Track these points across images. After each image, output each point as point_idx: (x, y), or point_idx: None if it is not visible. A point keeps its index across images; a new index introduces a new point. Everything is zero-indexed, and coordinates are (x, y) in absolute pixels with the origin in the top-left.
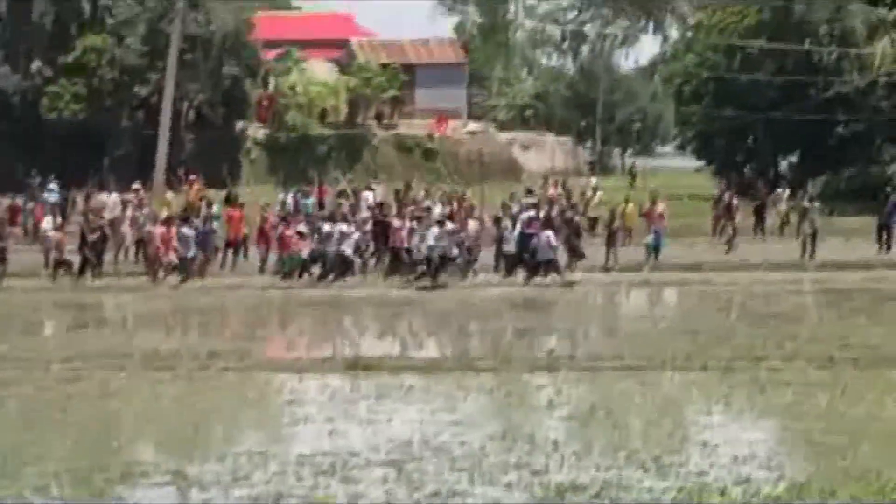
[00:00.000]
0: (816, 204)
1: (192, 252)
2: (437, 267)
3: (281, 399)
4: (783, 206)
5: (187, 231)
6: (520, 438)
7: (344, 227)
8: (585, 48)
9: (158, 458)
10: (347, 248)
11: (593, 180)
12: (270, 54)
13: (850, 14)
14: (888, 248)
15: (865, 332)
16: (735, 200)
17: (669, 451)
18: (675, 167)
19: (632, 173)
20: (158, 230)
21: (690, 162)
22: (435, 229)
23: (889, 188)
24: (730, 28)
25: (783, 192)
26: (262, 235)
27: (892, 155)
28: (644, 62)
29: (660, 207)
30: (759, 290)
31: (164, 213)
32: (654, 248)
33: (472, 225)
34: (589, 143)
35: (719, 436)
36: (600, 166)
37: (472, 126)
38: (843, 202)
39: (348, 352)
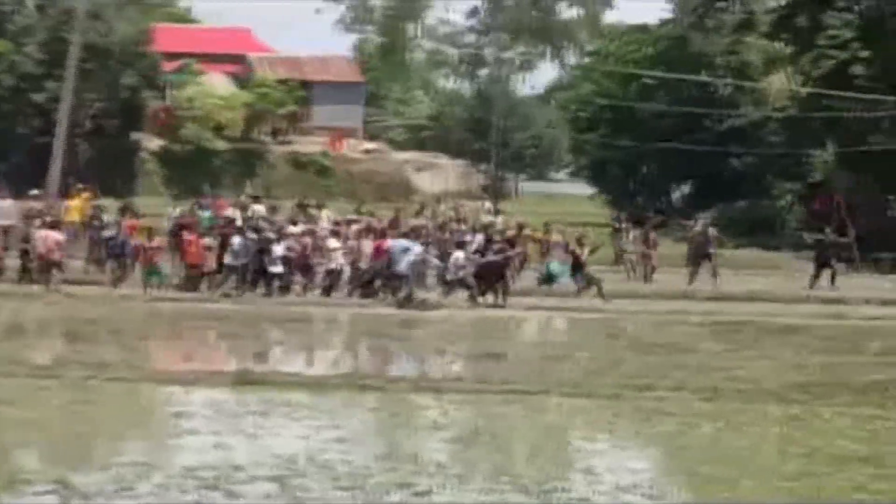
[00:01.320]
0: (712, 230)
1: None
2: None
3: (167, 411)
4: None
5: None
6: (404, 458)
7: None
8: (483, 72)
9: (42, 466)
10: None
11: (487, 203)
12: (169, 66)
13: (746, 47)
14: (832, 281)
15: (751, 365)
16: (653, 234)
17: (553, 476)
18: (569, 193)
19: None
20: (48, 235)
21: (584, 189)
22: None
23: (828, 229)
24: (627, 57)
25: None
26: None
27: (782, 189)
28: (541, 88)
29: (554, 236)
30: (648, 320)
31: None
32: (549, 277)
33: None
34: (483, 167)
35: (603, 463)
36: (494, 190)
37: (368, 145)
38: (734, 235)
39: (237, 366)
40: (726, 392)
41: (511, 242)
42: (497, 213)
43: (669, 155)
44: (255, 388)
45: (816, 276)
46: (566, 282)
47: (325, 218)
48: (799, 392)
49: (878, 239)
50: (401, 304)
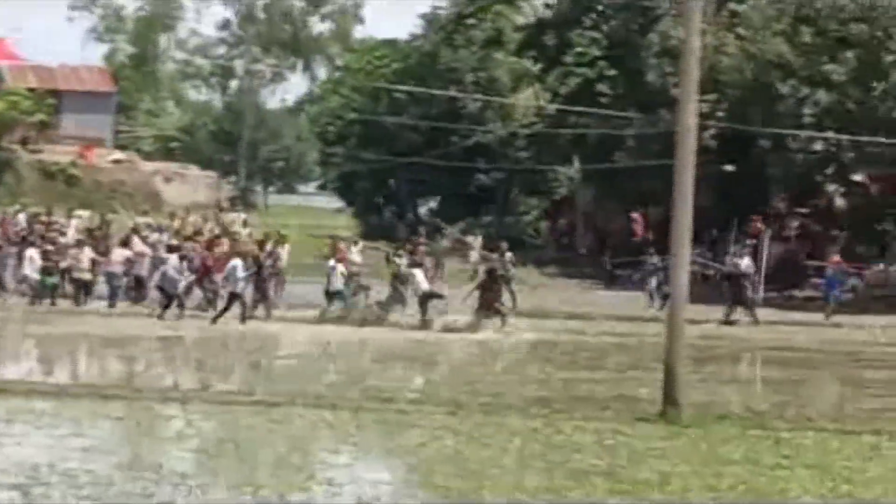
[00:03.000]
0: (509, 255)
1: None
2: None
3: None
4: (475, 256)
5: None
6: (147, 468)
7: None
8: (234, 84)
9: None
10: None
11: (242, 215)
12: None
13: (495, 64)
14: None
15: (492, 379)
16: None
17: (295, 487)
18: (317, 206)
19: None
20: None
21: (332, 202)
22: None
23: (650, 251)
24: (377, 72)
25: (475, 241)
26: None
27: (528, 205)
28: (291, 101)
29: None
30: (397, 335)
31: None
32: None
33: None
34: (232, 178)
35: (345, 475)
36: (243, 202)
37: (117, 155)
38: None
39: None
40: (469, 405)
41: (256, 257)
42: (245, 224)
43: (417, 169)
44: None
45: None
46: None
47: (73, 227)
48: (540, 406)
49: (624, 254)
50: (159, 316)
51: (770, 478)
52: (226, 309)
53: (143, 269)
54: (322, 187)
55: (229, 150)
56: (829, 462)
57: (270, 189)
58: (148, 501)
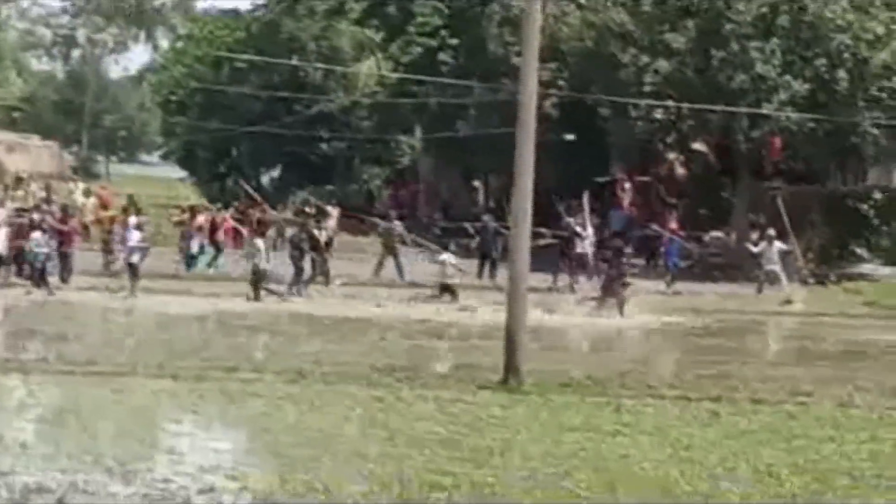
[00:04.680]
0: (397, 224)
1: None
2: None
3: None
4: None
5: None
6: None
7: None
8: (76, 53)
9: None
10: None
11: (81, 184)
12: None
13: (337, 33)
14: (492, 276)
15: (335, 349)
16: None
17: (136, 457)
18: (160, 176)
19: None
20: None
21: (175, 171)
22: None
23: (486, 216)
24: (219, 41)
25: (334, 210)
26: None
27: (371, 174)
28: (134, 71)
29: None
30: (242, 306)
31: None
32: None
33: None
34: (75, 148)
35: (186, 444)
36: (85, 171)
37: None
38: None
39: None
40: (311, 375)
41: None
42: (88, 194)
43: (259, 138)
44: None
45: (480, 265)
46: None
47: None
48: (383, 375)
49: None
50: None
51: (610, 444)
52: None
53: None
54: (165, 157)
55: (72, 119)
56: (669, 429)
57: (113, 158)
58: None
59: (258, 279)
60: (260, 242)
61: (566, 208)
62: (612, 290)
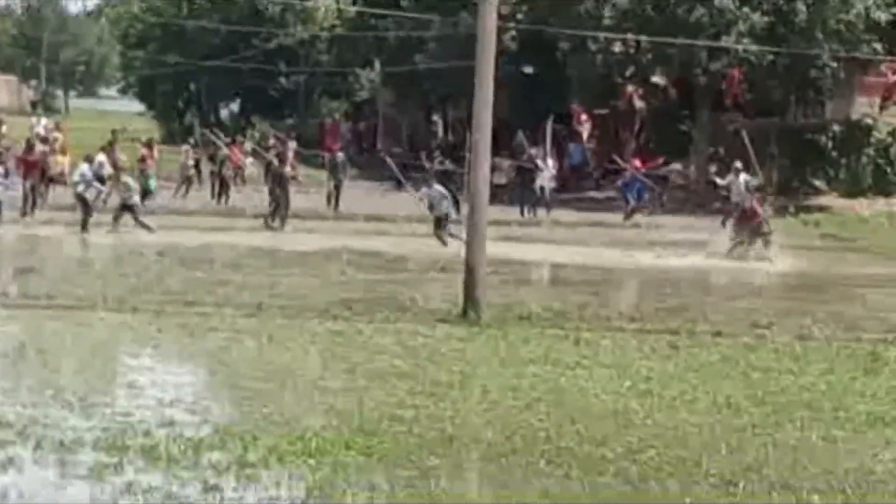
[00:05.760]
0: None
1: None
2: None
3: None
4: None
5: None
6: None
7: None
8: None
9: None
10: None
11: (43, 119)
12: None
13: None
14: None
15: (294, 282)
16: None
17: (96, 391)
18: (118, 110)
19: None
20: None
21: (133, 106)
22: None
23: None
24: None
25: (292, 144)
26: None
27: (329, 108)
28: (92, 5)
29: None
30: (198, 238)
31: None
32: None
33: None
34: (33, 83)
35: (146, 378)
36: (44, 106)
37: None
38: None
39: None
40: (270, 308)
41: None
42: (58, 128)
43: (218, 72)
44: None
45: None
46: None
47: None
48: (342, 308)
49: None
50: None
51: (569, 377)
52: (87, 215)
53: None
54: (123, 91)
55: (30, 54)
56: (628, 361)
57: (72, 93)
58: None
59: (123, 213)
60: (131, 181)
61: (528, 140)
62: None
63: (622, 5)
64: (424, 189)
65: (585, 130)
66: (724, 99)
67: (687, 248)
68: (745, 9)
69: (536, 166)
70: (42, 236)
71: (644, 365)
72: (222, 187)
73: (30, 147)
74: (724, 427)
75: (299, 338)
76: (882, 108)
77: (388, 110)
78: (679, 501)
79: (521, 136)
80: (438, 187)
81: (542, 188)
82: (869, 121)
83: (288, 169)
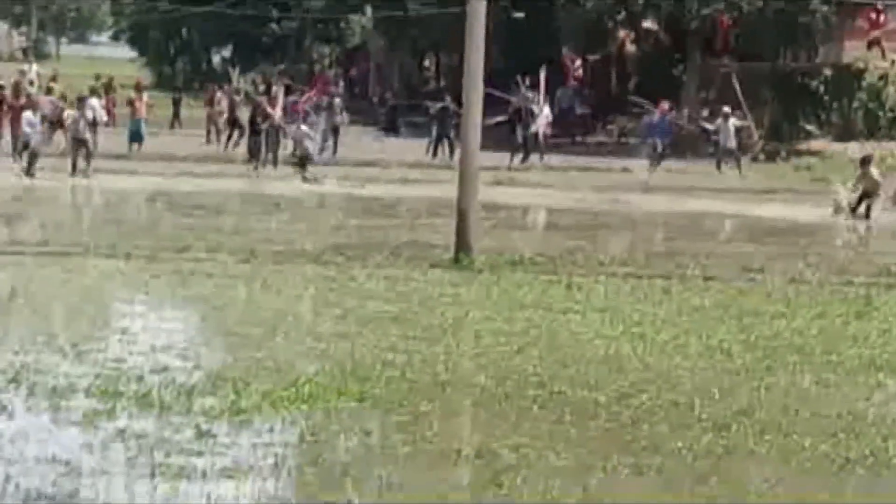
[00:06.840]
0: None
1: None
2: None
3: None
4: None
5: None
6: None
7: None
8: None
9: None
10: None
11: (35, 66)
12: None
13: None
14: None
15: (287, 228)
16: None
17: (89, 337)
18: (110, 57)
19: None
20: None
21: (125, 52)
22: None
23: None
24: None
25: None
26: None
27: (321, 53)
28: None
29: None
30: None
31: None
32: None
33: None
34: (24, 29)
35: (139, 324)
36: (35, 52)
37: None
38: None
39: None
40: (263, 254)
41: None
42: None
43: (210, 18)
44: None
45: (435, 145)
46: None
47: None
48: (334, 254)
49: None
50: None
51: (561, 322)
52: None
53: None
54: (115, 37)
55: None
56: (621, 305)
57: (63, 39)
58: None
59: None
60: (36, 121)
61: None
62: None
63: None
64: (292, 128)
65: (580, 77)
66: (715, 43)
67: (679, 192)
68: None
69: (531, 112)
70: (36, 184)
71: (636, 309)
72: (234, 131)
73: (17, 90)
74: (716, 371)
75: (292, 283)
76: (869, 48)
77: (380, 56)
78: (671, 445)
79: (521, 80)
80: (304, 127)
81: (535, 134)
82: (860, 64)
83: (278, 113)
